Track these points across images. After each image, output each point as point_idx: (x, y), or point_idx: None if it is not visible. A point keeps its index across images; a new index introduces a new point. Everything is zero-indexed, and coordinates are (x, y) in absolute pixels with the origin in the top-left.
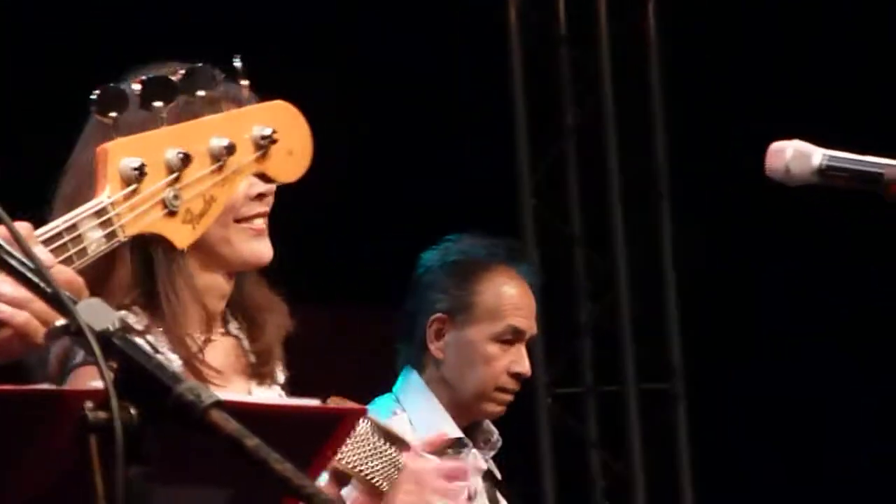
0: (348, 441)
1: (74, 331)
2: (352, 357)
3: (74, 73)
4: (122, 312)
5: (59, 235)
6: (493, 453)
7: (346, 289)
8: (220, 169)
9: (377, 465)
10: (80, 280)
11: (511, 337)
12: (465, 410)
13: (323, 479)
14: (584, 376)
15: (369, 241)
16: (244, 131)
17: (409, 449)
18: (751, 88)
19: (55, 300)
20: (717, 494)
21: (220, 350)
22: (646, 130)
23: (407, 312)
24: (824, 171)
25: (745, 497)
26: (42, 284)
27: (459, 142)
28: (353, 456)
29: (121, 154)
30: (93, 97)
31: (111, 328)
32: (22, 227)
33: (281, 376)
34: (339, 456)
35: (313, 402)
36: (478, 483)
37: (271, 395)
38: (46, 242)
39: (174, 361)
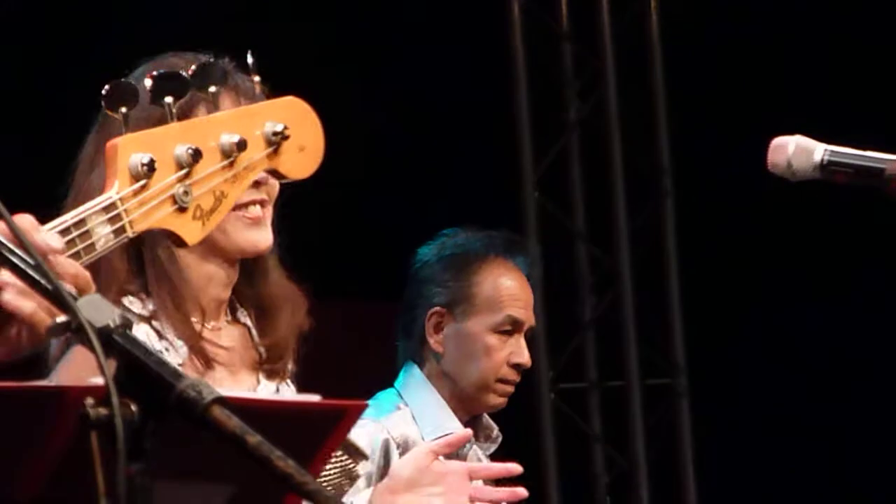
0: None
1: (75, 327)
2: (362, 353)
3: (83, 68)
4: (129, 298)
5: (67, 231)
6: (493, 448)
7: (356, 285)
8: (231, 165)
9: (332, 472)
10: (86, 274)
11: (510, 328)
12: (466, 403)
13: None
14: (588, 371)
15: (374, 236)
16: (256, 127)
17: (366, 459)
18: (755, 83)
19: (55, 296)
20: (721, 490)
21: (228, 337)
22: (649, 125)
23: (405, 307)
24: (826, 167)
25: (749, 493)
26: (42, 281)
27: (462, 137)
28: None
29: (130, 149)
30: (103, 92)
31: (112, 324)
32: (24, 219)
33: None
34: None
35: (315, 398)
36: (478, 482)
37: (280, 386)
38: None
39: (180, 348)
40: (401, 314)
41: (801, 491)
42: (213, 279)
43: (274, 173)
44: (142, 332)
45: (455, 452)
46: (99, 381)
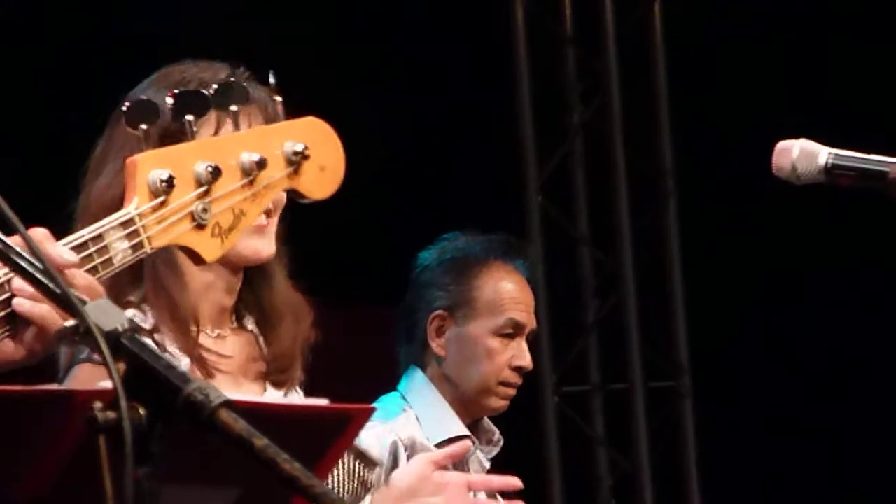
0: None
1: (83, 331)
2: (362, 358)
3: (83, 68)
4: (131, 312)
5: (84, 245)
6: (495, 451)
7: (358, 289)
8: (250, 183)
9: (345, 482)
10: (100, 288)
11: (511, 331)
12: (468, 406)
13: None
14: (591, 374)
15: (376, 240)
16: (276, 147)
17: (378, 466)
18: (757, 86)
19: (64, 300)
20: (725, 492)
21: (232, 345)
22: (652, 129)
23: (406, 312)
24: (830, 170)
25: (753, 495)
26: (51, 285)
27: (465, 140)
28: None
29: (150, 166)
30: (124, 109)
31: (120, 328)
32: (38, 232)
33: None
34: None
35: (322, 402)
36: (480, 493)
37: (293, 396)
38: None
39: (182, 360)
40: (402, 318)
41: (804, 492)
42: (213, 285)
43: (294, 193)
44: None
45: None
46: (107, 384)
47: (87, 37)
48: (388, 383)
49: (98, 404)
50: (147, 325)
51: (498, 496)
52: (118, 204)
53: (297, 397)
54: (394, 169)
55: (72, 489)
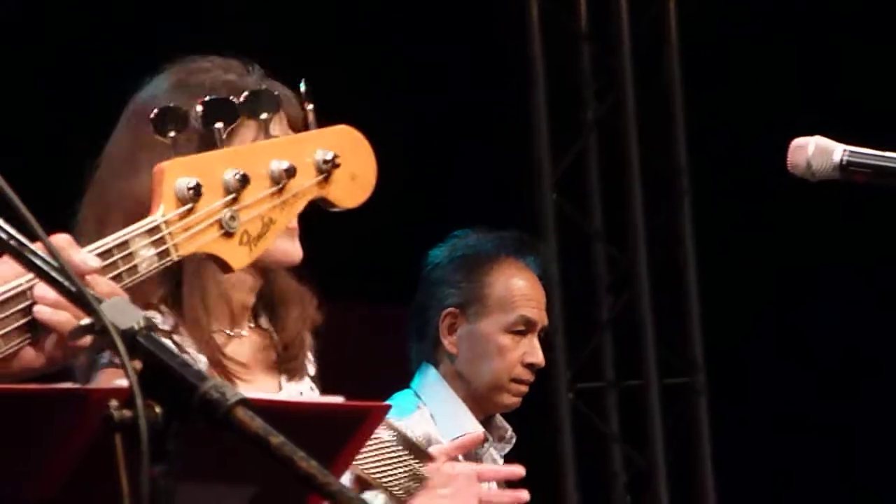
0: (372, 450)
1: (99, 329)
2: (378, 357)
3: (83, 68)
4: (150, 312)
5: (109, 252)
6: (508, 448)
7: (372, 289)
8: (280, 192)
9: (398, 475)
10: (123, 294)
11: (523, 328)
12: (481, 403)
13: (346, 480)
14: (606, 371)
15: (389, 239)
16: (306, 155)
17: (433, 461)
18: (771, 84)
19: (80, 299)
20: (740, 489)
21: (249, 345)
22: (667, 126)
23: (418, 309)
24: (845, 167)
25: (768, 492)
26: (66, 283)
27: (479, 138)
28: (375, 465)
29: (177, 173)
30: (151, 116)
31: (136, 327)
32: (60, 238)
33: (311, 369)
34: (361, 463)
35: (338, 400)
36: (492, 484)
37: (302, 389)
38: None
39: (200, 362)
40: (413, 316)
41: (817, 489)
42: (238, 285)
43: (324, 201)
44: None
45: (473, 453)
46: (123, 383)
47: (87, 37)
48: (400, 381)
49: (114, 402)
50: (166, 326)
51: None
52: (144, 210)
53: (312, 395)
54: (406, 166)
55: (84, 489)
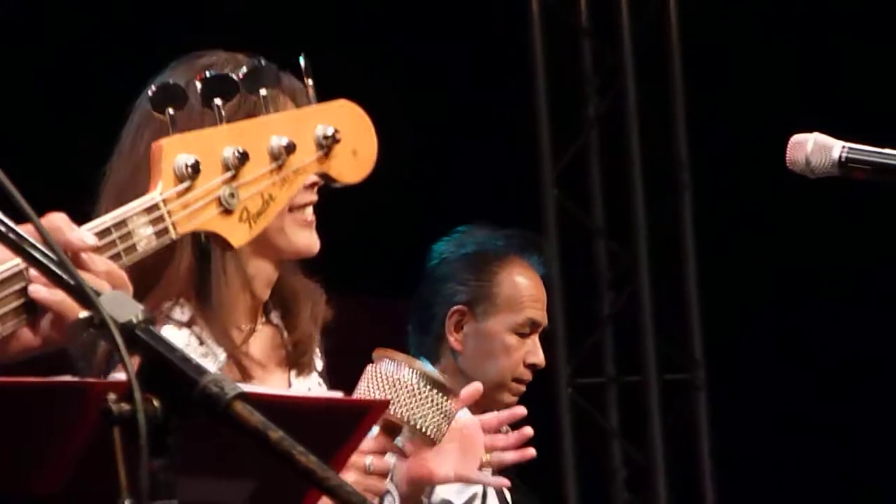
0: (399, 391)
1: (98, 323)
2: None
3: (83, 68)
4: (168, 304)
5: (107, 231)
6: None
7: (370, 283)
8: (279, 168)
9: (429, 414)
10: (121, 272)
11: (528, 329)
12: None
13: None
14: (606, 367)
15: (393, 234)
16: (306, 131)
17: (457, 397)
18: (772, 79)
19: (78, 292)
20: (738, 485)
21: (262, 340)
22: (668, 122)
23: (422, 303)
24: (844, 164)
25: (766, 488)
26: (65, 276)
27: (481, 133)
28: (405, 406)
29: (176, 150)
30: (149, 93)
31: (134, 320)
32: (58, 217)
33: (319, 364)
34: (391, 407)
35: (337, 395)
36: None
37: (310, 385)
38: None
39: (219, 355)
40: (416, 310)
41: (816, 486)
42: (256, 278)
43: (324, 177)
44: (183, 336)
45: None
46: (122, 376)
47: (87, 37)
48: None
49: (112, 396)
50: (184, 318)
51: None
52: (144, 189)
53: (320, 390)
54: (408, 161)
55: (89, 482)
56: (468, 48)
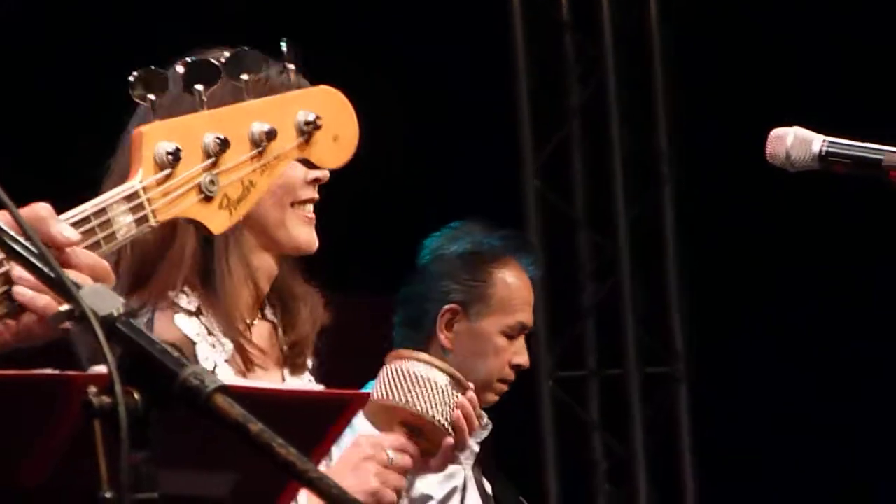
0: (428, 391)
1: (78, 316)
2: (357, 344)
3: (83, 68)
4: (173, 293)
5: (86, 220)
6: (484, 434)
7: (354, 279)
8: (260, 154)
9: (446, 409)
10: (104, 264)
11: (517, 331)
12: None
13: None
14: (587, 359)
15: (375, 226)
16: (287, 116)
17: (470, 389)
18: (753, 73)
19: (59, 285)
20: (719, 478)
21: (258, 335)
22: (649, 113)
23: (413, 299)
24: (825, 157)
25: (746, 480)
26: (46, 269)
27: (462, 125)
28: (429, 404)
29: (157, 138)
30: (130, 79)
31: (115, 313)
32: (42, 207)
33: (309, 362)
34: (416, 405)
35: (317, 388)
36: (468, 471)
37: (302, 384)
38: (73, 226)
39: (226, 345)
40: (406, 305)
41: (798, 477)
42: (258, 272)
43: (305, 163)
44: (195, 325)
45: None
46: (102, 369)
47: (87, 37)
48: (371, 369)
49: (93, 389)
50: (191, 307)
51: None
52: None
53: (304, 380)
54: (390, 153)
55: (70, 473)
56: (450, 41)
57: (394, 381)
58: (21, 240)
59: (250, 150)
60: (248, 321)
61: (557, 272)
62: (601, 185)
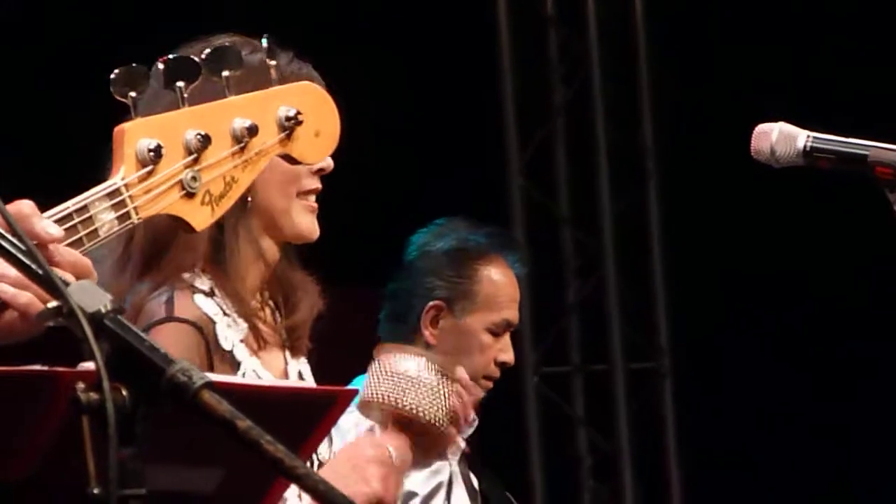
0: (416, 387)
1: (66, 312)
2: (344, 337)
3: (83, 68)
4: (187, 274)
5: (69, 217)
6: (470, 431)
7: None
8: (242, 150)
9: (438, 405)
10: (86, 262)
11: (503, 329)
12: None
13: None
14: (572, 355)
15: (360, 223)
16: (269, 112)
17: (458, 381)
18: (738, 68)
19: (46, 282)
20: (704, 473)
21: (262, 317)
22: (634, 110)
23: (398, 293)
24: (809, 153)
25: (732, 475)
26: (33, 266)
27: (447, 122)
28: (419, 399)
29: (138, 135)
30: (111, 77)
31: (103, 309)
32: (25, 204)
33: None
34: (404, 401)
35: (305, 384)
36: (454, 466)
37: (301, 367)
38: (55, 224)
39: (241, 324)
40: (392, 300)
41: (783, 472)
42: (263, 256)
43: (287, 158)
44: (212, 306)
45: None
46: (90, 365)
47: (87, 37)
48: (359, 364)
49: (81, 385)
50: (205, 287)
51: None
52: None
53: (306, 368)
54: (376, 150)
55: (57, 469)
56: (434, 36)
57: (386, 379)
58: (8, 236)
59: (232, 146)
60: (253, 302)
61: (542, 268)
62: (585, 181)
